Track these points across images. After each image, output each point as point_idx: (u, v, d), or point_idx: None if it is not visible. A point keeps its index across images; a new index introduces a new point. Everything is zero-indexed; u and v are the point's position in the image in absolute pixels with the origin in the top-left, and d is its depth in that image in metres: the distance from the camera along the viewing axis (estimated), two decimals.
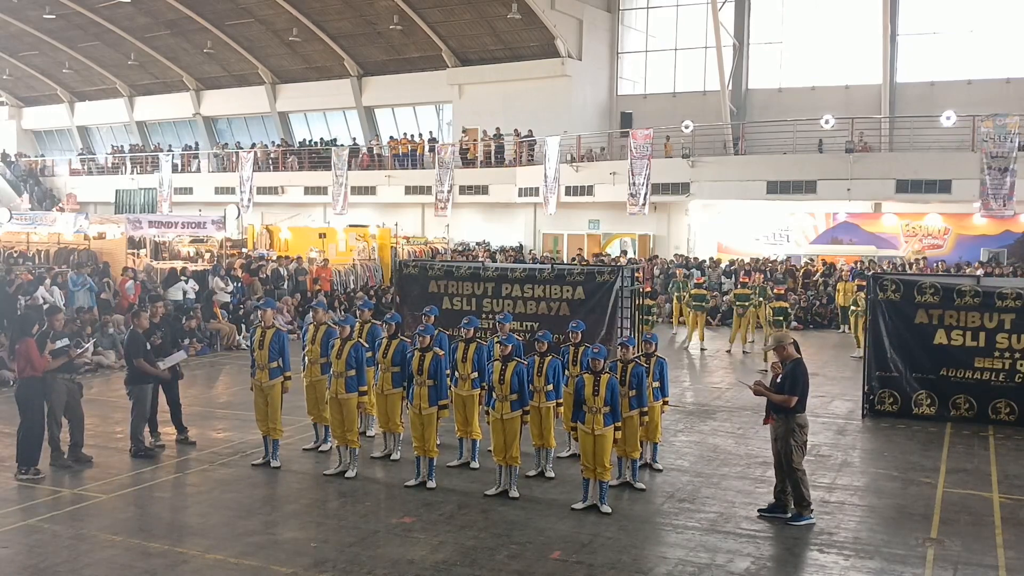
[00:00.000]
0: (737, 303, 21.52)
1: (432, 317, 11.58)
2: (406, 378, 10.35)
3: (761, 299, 21.14)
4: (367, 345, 10.87)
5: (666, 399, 10.96)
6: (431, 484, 10.05)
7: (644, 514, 9.42)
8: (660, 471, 10.87)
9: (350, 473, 10.47)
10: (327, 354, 10.85)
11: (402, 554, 8.15)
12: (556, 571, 7.85)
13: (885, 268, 26.56)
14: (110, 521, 8.98)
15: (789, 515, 9.19)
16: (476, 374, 10.55)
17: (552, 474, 10.52)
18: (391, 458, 11.20)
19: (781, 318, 19.39)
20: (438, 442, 10.38)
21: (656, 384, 10.61)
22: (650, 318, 20.15)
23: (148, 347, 11.59)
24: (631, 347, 10.23)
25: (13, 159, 50.01)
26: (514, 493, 9.77)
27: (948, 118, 27.11)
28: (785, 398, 9.09)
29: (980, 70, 31.11)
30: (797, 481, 9.11)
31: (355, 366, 10.40)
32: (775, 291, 21.26)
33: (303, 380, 11.67)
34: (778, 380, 9.27)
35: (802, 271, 28.95)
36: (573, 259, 31.07)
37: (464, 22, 36.44)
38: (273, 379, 10.90)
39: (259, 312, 11.51)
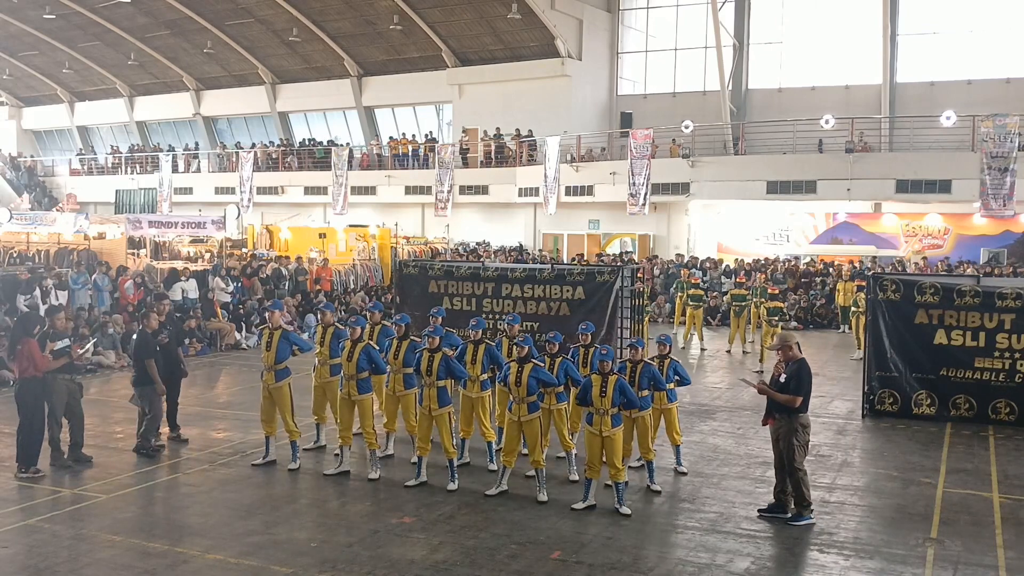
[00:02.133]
0: (734, 303, 21.54)
1: (439, 318, 11.59)
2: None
3: (759, 299, 21.14)
4: (377, 347, 10.85)
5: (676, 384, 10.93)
6: (452, 487, 10.00)
7: (644, 514, 9.42)
8: (685, 474, 10.81)
9: (373, 475, 10.44)
10: (337, 355, 10.85)
11: (402, 554, 8.15)
12: (556, 571, 7.85)
13: (886, 268, 26.55)
14: (110, 521, 8.98)
15: (789, 515, 9.19)
16: (486, 375, 10.53)
17: (575, 476, 10.41)
18: (411, 461, 11.03)
19: (776, 318, 19.39)
20: (454, 442, 10.36)
21: (671, 385, 10.59)
22: (644, 318, 20.11)
23: (157, 348, 11.63)
24: (640, 349, 10.23)
25: (19, 163, 49.94)
26: (543, 496, 9.70)
27: (948, 118, 27.10)
28: (790, 398, 9.07)
29: (980, 70, 31.09)
30: (798, 481, 9.11)
31: (368, 367, 10.39)
32: (770, 291, 21.27)
33: (312, 381, 11.66)
34: (781, 380, 9.25)
35: (800, 271, 28.93)
36: (573, 259, 31.06)
37: (464, 22, 36.43)
38: (279, 381, 10.91)
39: (267, 314, 11.53)
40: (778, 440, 9.27)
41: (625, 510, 9.28)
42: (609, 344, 13.55)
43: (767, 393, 9.33)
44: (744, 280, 23.47)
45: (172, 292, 20.98)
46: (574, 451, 10.59)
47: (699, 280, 24.63)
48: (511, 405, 9.83)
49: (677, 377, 10.68)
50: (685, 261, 29.82)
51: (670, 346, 10.88)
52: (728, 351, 21.14)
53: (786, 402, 9.11)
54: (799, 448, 9.14)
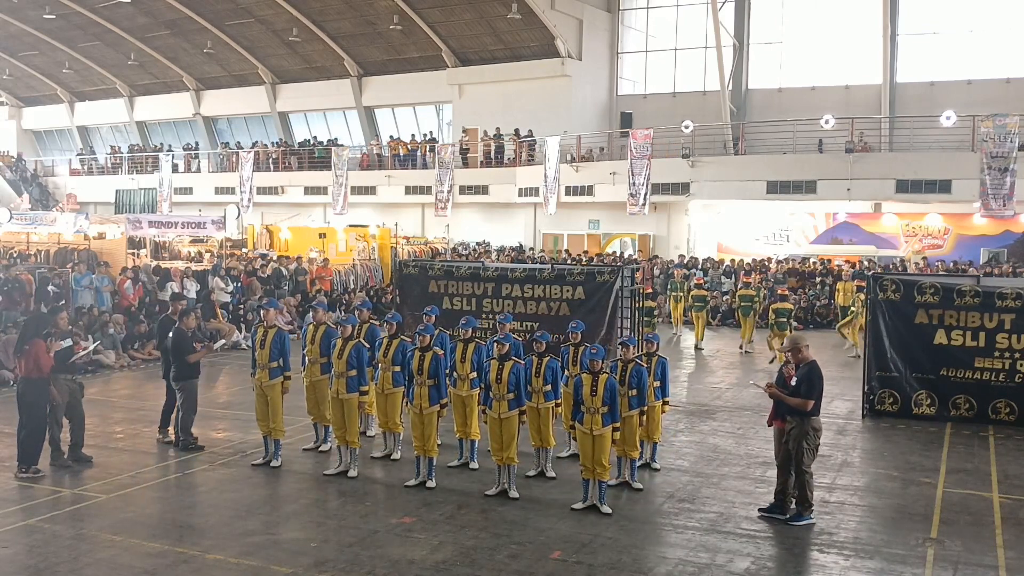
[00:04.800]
0: (741, 303, 21.52)
1: (432, 317, 11.60)
2: (406, 377, 10.37)
3: (762, 299, 21.14)
4: (367, 345, 10.89)
5: (666, 399, 10.95)
6: (431, 484, 10.06)
7: (644, 514, 9.43)
8: (658, 470, 10.87)
9: (352, 473, 10.48)
10: (327, 354, 10.87)
11: (402, 554, 8.15)
12: (556, 571, 7.85)
13: (887, 268, 26.53)
14: (110, 521, 8.98)
15: (788, 515, 9.19)
16: (475, 374, 10.55)
17: (552, 474, 10.53)
18: (391, 458, 11.21)
19: (784, 319, 19.36)
20: (439, 442, 10.39)
21: (657, 384, 10.62)
22: (651, 319, 20.14)
23: (193, 344, 11.77)
24: (632, 346, 10.23)
25: (20, 164, 49.90)
26: (513, 493, 9.77)
27: (948, 118, 27.10)
28: (801, 402, 9.01)
29: (980, 70, 31.09)
30: (804, 483, 9.09)
31: (356, 366, 10.41)
32: (779, 292, 21.25)
33: (303, 380, 11.67)
34: (792, 383, 9.21)
35: (806, 270, 28.91)
36: (575, 257, 31.04)
37: (464, 22, 36.44)
38: (273, 379, 10.93)
39: (261, 312, 11.55)
40: (788, 441, 9.22)
41: (606, 509, 9.28)
42: (608, 344, 13.56)
43: (778, 396, 9.25)
44: (749, 280, 23.42)
45: (163, 292, 20.96)
46: (552, 448, 10.62)
47: (703, 281, 24.61)
48: (491, 403, 9.86)
49: (659, 381, 10.69)
50: (678, 263, 29.72)
51: (657, 344, 10.90)
52: (745, 351, 20.99)
53: (798, 405, 9.04)
54: (808, 451, 9.10)
